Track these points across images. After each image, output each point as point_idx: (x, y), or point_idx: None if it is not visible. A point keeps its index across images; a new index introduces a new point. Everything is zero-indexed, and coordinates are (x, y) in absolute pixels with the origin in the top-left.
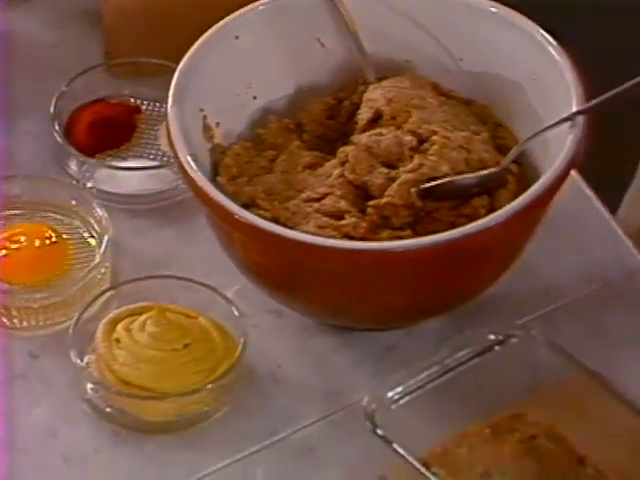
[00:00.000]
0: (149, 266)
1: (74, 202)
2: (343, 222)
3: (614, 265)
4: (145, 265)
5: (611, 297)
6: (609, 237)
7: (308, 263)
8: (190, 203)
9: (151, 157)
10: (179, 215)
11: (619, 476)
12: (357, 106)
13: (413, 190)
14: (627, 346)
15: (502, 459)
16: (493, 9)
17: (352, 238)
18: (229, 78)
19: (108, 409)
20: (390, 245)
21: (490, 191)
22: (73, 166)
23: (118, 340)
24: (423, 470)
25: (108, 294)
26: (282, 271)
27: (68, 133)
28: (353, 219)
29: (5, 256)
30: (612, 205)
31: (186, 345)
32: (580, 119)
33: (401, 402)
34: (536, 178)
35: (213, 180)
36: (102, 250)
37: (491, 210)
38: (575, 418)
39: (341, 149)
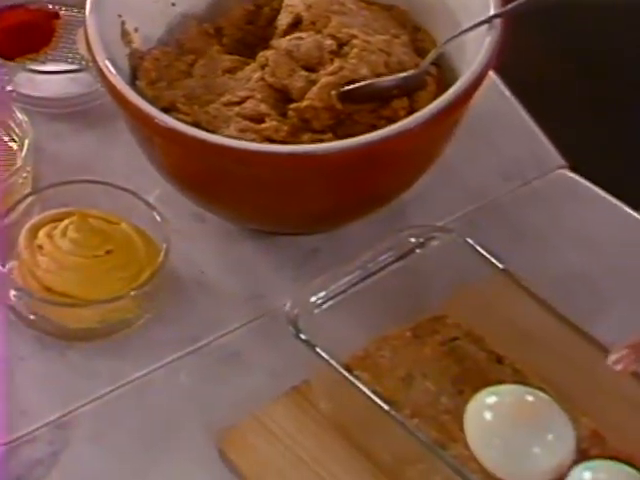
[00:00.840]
0: (70, 170)
1: None
2: (264, 125)
3: (532, 164)
4: (66, 169)
5: (529, 196)
6: (527, 137)
7: (229, 167)
8: (110, 107)
9: (69, 61)
10: (99, 119)
11: (537, 374)
12: (277, 12)
13: (333, 93)
14: (545, 244)
15: (423, 361)
16: None
17: (273, 142)
18: None
19: (32, 316)
20: (311, 148)
21: (409, 93)
22: None
23: (41, 247)
24: (346, 374)
25: (30, 199)
26: (203, 175)
27: None
28: (274, 122)
29: None
30: None
31: (108, 252)
32: (497, 22)
33: (324, 307)
34: (455, 80)
35: (132, 84)
36: (23, 154)
37: (411, 112)
38: (494, 318)
39: (261, 53)
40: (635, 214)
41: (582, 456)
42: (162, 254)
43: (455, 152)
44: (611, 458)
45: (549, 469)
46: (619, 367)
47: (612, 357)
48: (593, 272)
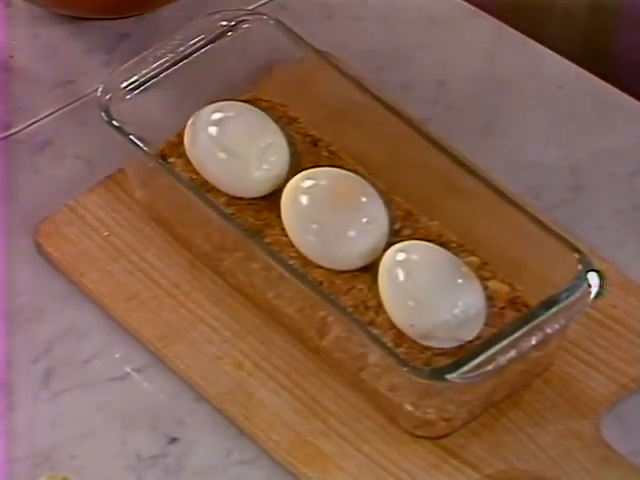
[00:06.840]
0: None
1: None
2: None
3: None
4: None
5: None
6: None
7: None
8: None
9: None
10: None
11: (352, 156)
12: None
13: None
14: (354, 23)
15: None
16: None
17: None
18: None
19: None
20: None
21: None
22: None
23: None
24: (160, 161)
25: None
26: None
27: None
28: None
29: None
30: None
31: None
32: None
33: (136, 92)
34: None
35: None
36: None
37: None
38: (308, 99)
39: None
40: None
41: (395, 237)
42: None
43: None
44: (422, 238)
45: (365, 252)
46: None
47: None
48: (402, 46)
